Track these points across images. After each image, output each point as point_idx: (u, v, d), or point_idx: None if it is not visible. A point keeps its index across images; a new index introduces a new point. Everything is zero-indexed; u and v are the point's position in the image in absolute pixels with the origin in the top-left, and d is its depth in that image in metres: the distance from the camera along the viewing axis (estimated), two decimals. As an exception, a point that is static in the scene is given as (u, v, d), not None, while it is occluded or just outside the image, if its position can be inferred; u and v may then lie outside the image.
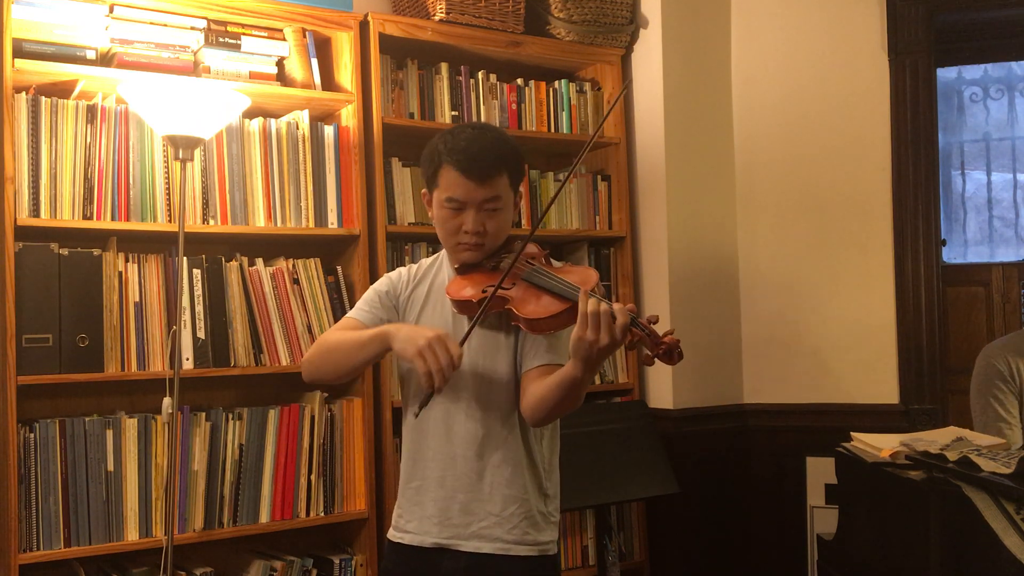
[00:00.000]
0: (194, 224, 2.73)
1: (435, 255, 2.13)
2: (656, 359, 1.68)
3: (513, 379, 1.95)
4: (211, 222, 2.78)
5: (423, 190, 2.06)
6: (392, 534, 2.04)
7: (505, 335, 1.96)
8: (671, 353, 1.67)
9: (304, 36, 2.99)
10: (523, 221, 3.31)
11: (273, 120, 2.91)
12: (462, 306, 1.93)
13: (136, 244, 2.74)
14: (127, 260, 2.68)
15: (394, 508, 2.07)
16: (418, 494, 1.99)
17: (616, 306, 1.68)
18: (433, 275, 2.07)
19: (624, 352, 3.48)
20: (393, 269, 2.16)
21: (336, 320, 2.92)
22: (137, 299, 2.68)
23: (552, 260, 2.02)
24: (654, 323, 1.70)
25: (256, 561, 2.84)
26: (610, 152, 3.54)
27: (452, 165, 1.93)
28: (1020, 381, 2.74)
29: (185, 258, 2.69)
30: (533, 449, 1.97)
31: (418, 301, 2.05)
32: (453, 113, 3.20)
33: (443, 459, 1.96)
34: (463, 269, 1.99)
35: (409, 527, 2.00)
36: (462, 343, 1.82)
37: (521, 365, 1.94)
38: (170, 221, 2.71)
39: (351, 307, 2.89)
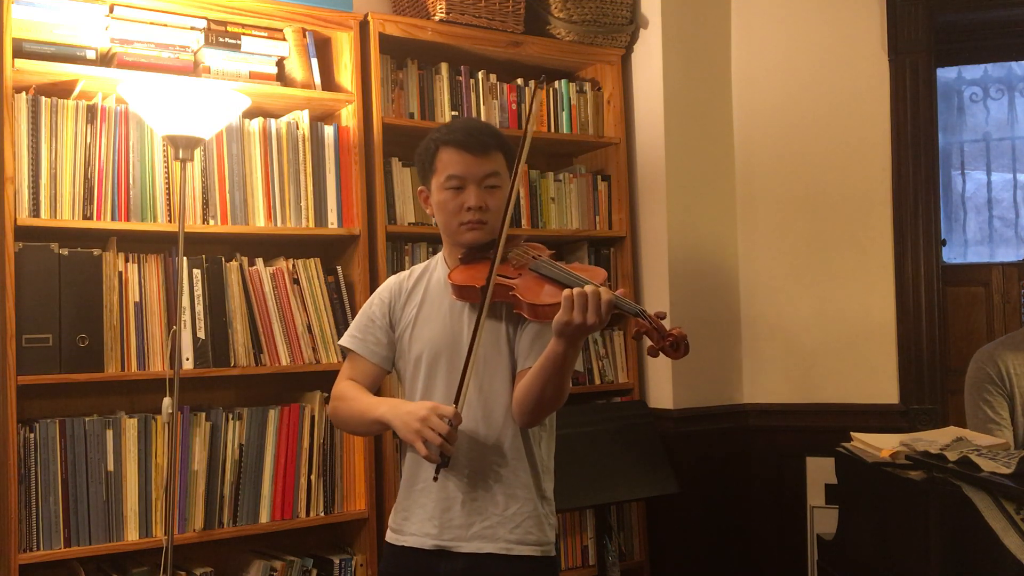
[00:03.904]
0: (194, 224, 2.73)
1: (426, 261, 2.15)
2: (661, 351, 1.71)
3: (513, 381, 1.95)
4: (211, 222, 2.78)
5: (420, 188, 2.09)
6: (391, 537, 2.04)
7: (506, 337, 1.96)
8: (677, 345, 1.70)
9: (304, 36, 2.99)
10: (523, 221, 3.31)
11: (273, 120, 2.91)
12: (465, 291, 1.95)
13: (136, 244, 2.74)
14: (127, 260, 2.68)
15: (392, 511, 2.07)
16: (422, 496, 1.99)
17: (601, 287, 1.72)
18: (428, 277, 2.08)
19: (624, 352, 3.48)
20: (393, 269, 2.17)
21: (336, 320, 2.92)
22: (137, 299, 2.68)
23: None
24: (662, 319, 1.72)
25: (256, 561, 2.84)
26: (610, 152, 3.54)
27: (450, 145, 1.97)
28: (1010, 383, 2.75)
29: (185, 258, 2.69)
30: (533, 450, 1.98)
31: (414, 306, 2.06)
32: (453, 113, 3.19)
33: None
34: (467, 258, 2.00)
35: (411, 529, 1.99)
36: (458, 399, 1.84)
37: (516, 366, 1.95)
38: (170, 221, 2.71)
39: (351, 307, 2.92)
